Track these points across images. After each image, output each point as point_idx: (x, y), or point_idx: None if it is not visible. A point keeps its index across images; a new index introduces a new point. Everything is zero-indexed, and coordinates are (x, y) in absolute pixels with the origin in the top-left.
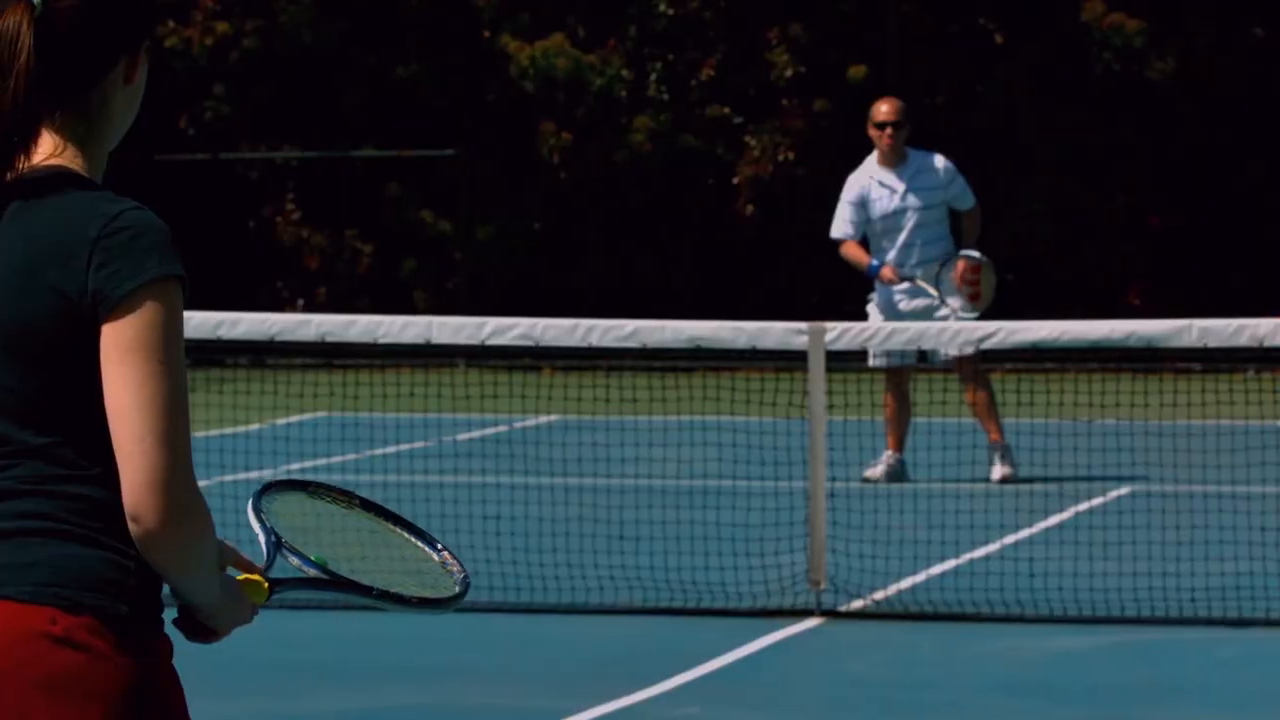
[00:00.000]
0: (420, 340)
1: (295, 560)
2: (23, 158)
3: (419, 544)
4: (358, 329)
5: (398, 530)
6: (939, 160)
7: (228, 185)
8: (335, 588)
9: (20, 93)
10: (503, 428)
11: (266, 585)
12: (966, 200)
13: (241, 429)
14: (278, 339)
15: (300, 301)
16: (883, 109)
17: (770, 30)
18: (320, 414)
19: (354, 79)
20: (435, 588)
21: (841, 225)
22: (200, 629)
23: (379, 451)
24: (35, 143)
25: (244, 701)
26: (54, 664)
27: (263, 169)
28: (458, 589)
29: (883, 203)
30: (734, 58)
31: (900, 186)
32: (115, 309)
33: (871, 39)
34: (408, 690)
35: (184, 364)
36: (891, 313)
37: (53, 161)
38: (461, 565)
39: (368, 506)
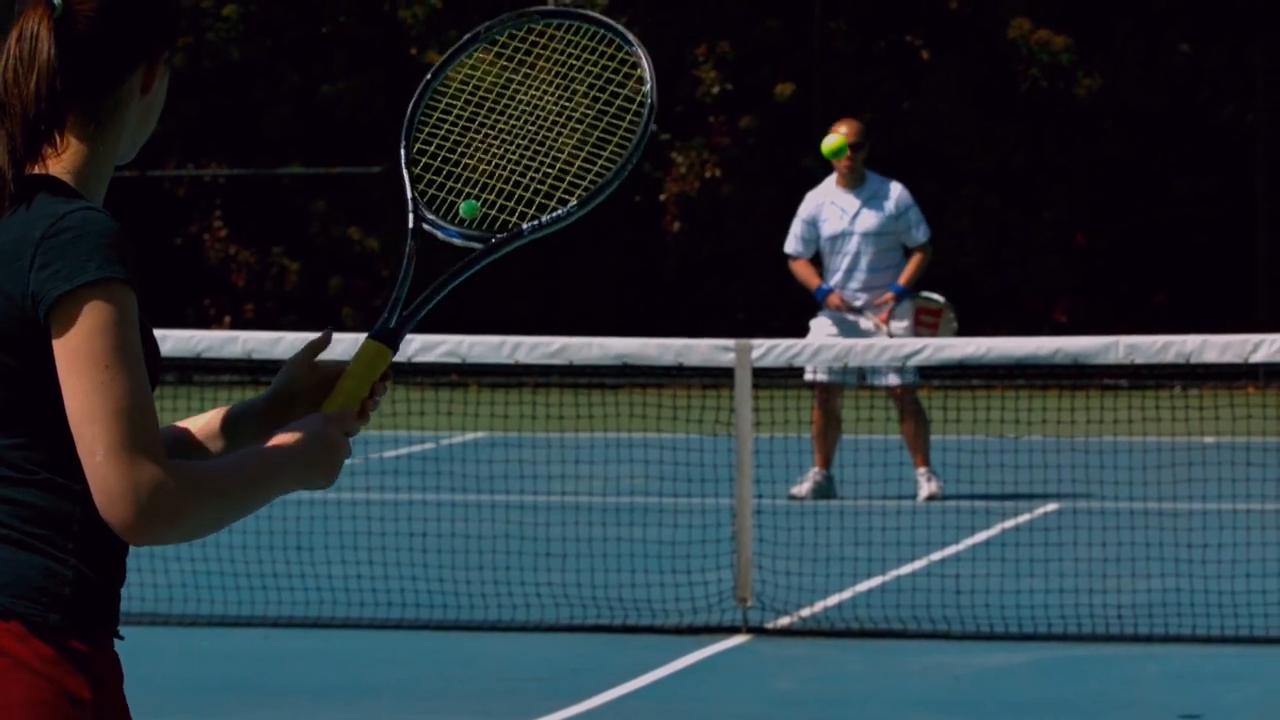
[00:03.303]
0: (347, 357)
1: (441, 235)
2: (50, 150)
3: (609, 35)
4: (284, 346)
5: (589, 26)
6: (894, 190)
7: (155, 202)
8: (483, 257)
9: (44, 89)
10: (429, 445)
11: (387, 349)
12: (916, 236)
13: None
14: (204, 356)
15: (227, 318)
16: (841, 130)
17: (698, 47)
18: None
19: (281, 96)
20: (619, 117)
21: (793, 242)
22: None
23: None
24: (63, 137)
25: None
26: None
27: (190, 186)
28: (646, 105)
29: (832, 224)
30: (661, 74)
31: (852, 210)
32: (53, 312)
33: (799, 56)
34: (331, 708)
35: (136, 365)
36: (843, 326)
37: (40, 170)
38: (651, 70)
39: (545, 14)
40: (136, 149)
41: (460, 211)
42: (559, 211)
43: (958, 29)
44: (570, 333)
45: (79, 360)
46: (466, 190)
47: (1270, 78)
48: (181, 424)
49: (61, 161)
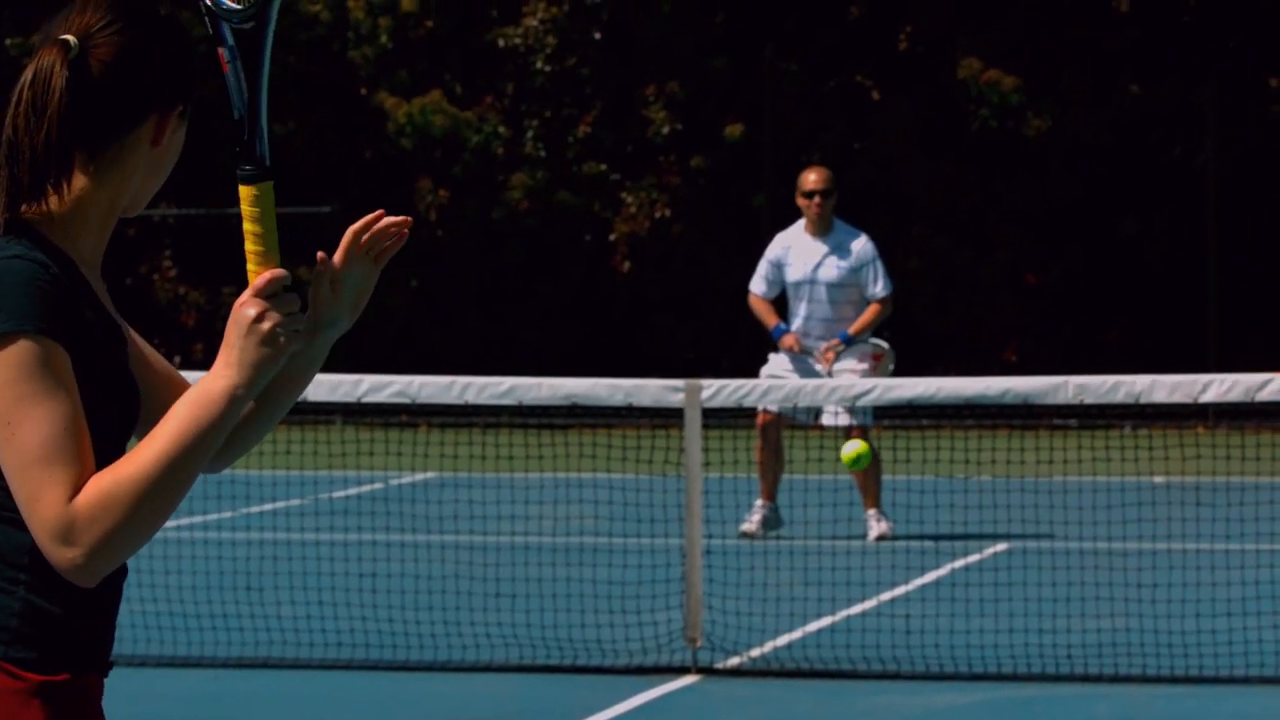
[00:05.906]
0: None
1: (235, 23)
2: (54, 195)
3: None
4: None
5: None
6: (857, 242)
7: None
8: (262, 31)
9: (54, 137)
10: (379, 485)
11: (263, 182)
12: (875, 290)
13: None
14: None
15: (177, 359)
16: (810, 178)
17: (647, 87)
18: None
19: (231, 135)
20: None
21: (758, 281)
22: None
23: (255, 509)
24: (69, 182)
25: None
26: None
27: (140, 226)
28: None
29: (795, 269)
30: (611, 114)
31: (815, 258)
32: None
33: (749, 96)
34: None
35: (39, 411)
36: (798, 366)
37: (37, 209)
38: None
39: None
40: (144, 201)
41: None
42: None
43: (907, 69)
44: (519, 373)
45: None
46: None
47: (1220, 117)
48: None
49: (51, 203)
